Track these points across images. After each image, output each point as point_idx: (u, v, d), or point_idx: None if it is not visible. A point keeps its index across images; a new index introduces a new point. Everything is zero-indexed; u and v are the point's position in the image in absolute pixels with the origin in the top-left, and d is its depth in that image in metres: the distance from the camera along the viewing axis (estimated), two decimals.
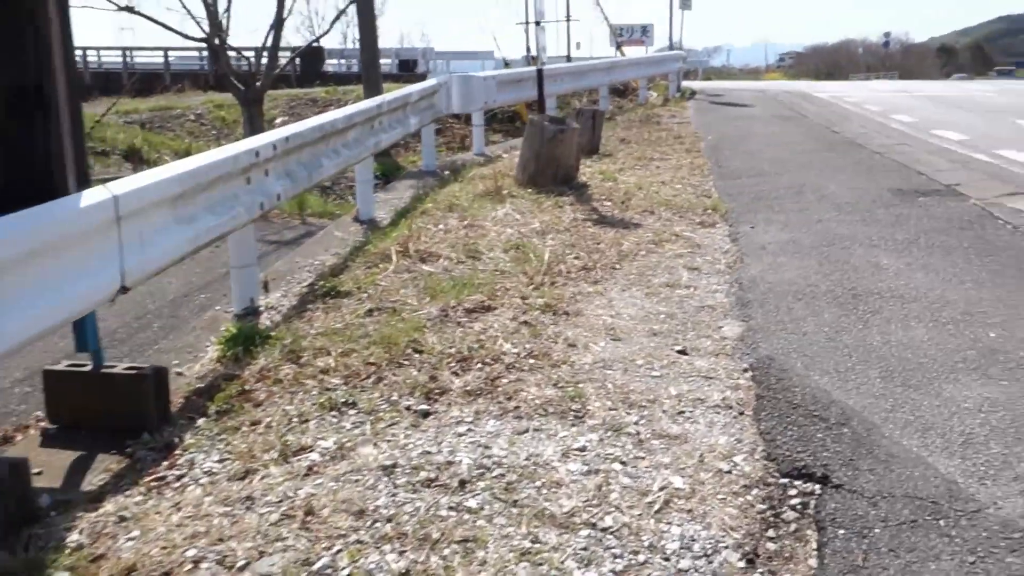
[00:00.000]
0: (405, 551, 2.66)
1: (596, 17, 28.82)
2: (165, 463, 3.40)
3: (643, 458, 3.20)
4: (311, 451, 3.37)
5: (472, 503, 2.92)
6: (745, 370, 3.97)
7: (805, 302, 4.87)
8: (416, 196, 8.57)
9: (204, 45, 17.94)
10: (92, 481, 3.37)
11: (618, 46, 27.60)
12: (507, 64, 23.11)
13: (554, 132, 8.31)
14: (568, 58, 25.00)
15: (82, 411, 3.80)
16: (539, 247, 6.08)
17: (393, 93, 8.88)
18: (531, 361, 4.14)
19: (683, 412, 3.57)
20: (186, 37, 17.54)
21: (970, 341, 4.20)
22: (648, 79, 20.39)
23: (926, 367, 3.91)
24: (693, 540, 2.70)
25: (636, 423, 3.48)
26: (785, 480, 3.02)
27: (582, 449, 3.27)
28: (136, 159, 17.15)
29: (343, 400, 3.78)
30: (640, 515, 2.83)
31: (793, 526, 2.77)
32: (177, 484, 3.21)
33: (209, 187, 4.59)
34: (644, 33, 31.21)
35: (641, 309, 4.89)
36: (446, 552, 2.65)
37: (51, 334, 3.56)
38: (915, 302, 4.81)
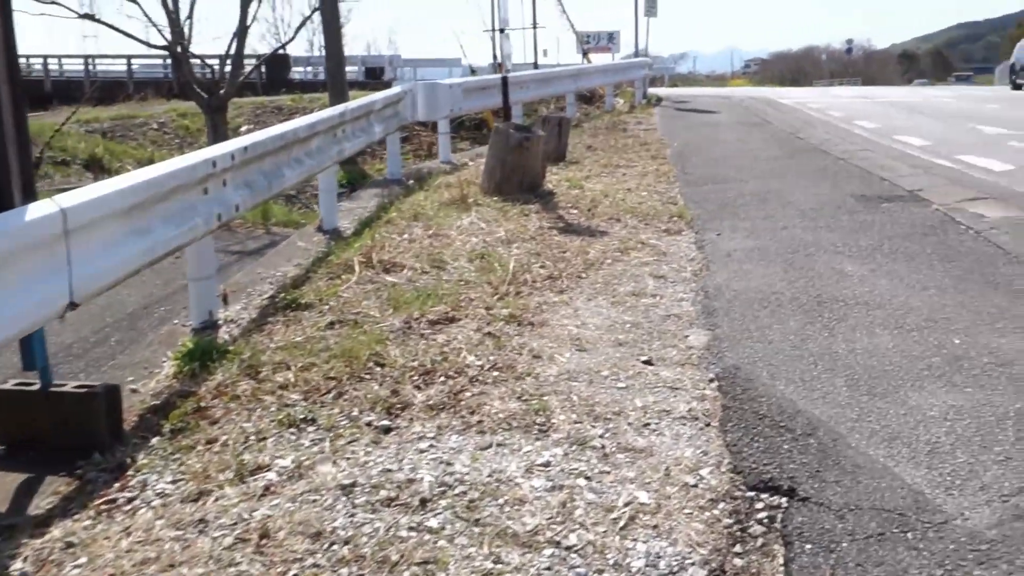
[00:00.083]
0: (363, 575, 2.58)
1: (562, 24, 28.80)
2: (116, 485, 3.30)
3: (608, 473, 3.15)
4: (268, 470, 3.28)
5: (433, 523, 2.84)
6: (711, 380, 3.93)
7: (770, 310, 4.84)
8: (381, 205, 8.48)
9: (167, 53, 17.70)
10: (39, 505, 3.25)
11: (584, 53, 27.64)
12: (473, 71, 23.07)
13: (519, 140, 8.27)
14: (535, 65, 25.00)
15: (31, 431, 3.68)
16: (504, 256, 6.02)
17: (357, 101, 8.80)
18: (495, 373, 4.07)
19: (649, 424, 3.52)
20: (148, 45, 17.40)
21: (934, 348, 4.19)
22: (615, 86, 20.43)
23: (891, 375, 3.89)
24: (659, 557, 2.65)
25: (601, 436, 3.42)
26: (752, 493, 2.97)
27: (546, 464, 3.21)
28: (97, 168, 16.91)
29: (302, 416, 3.70)
30: (605, 532, 2.77)
31: (760, 541, 2.73)
32: (128, 507, 3.11)
33: (165, 198, 4.49)
34: (611, 40, 31.35)
35: (607, 319, 4.84)
36: (405, 575, 2.57)
37: None
38: (879, 309, 4.80)
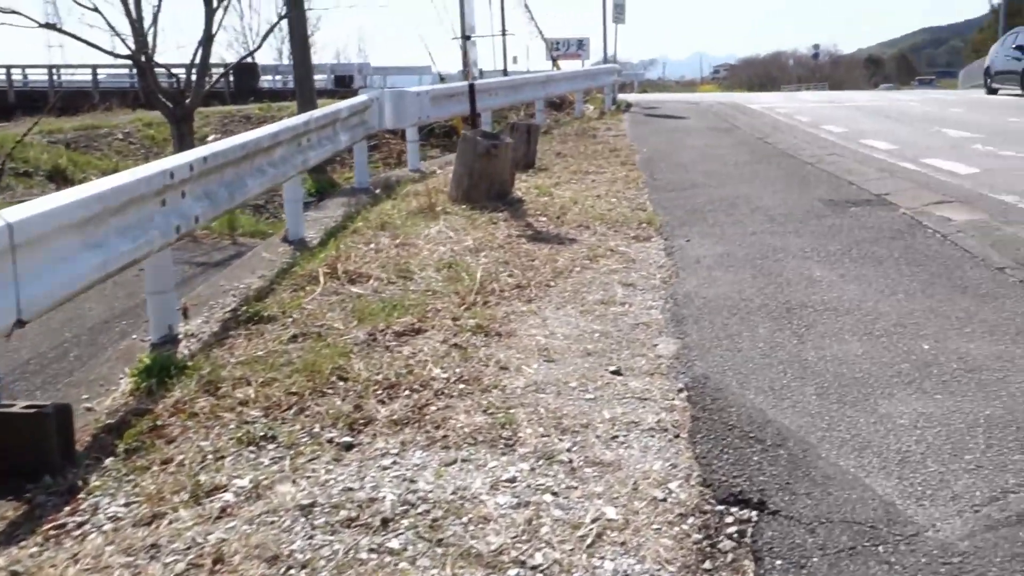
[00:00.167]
0: None
1: (531, 31, 28.78)
2: (67, 508, 3.18)
3: (575, 488, 3.07)
4: (225, 491, 3.18)
5: (394, 543, 2.76)
6: (680, 390, 3.87)
7: (740, 317, 4.80)
8: (347, 215, 8.38)
9: (131, 62, 17.46)
10: None
11: (553, 60, 27.64)
12: (442, 79, 22.97)
13: (487, 147, 8.20)
14: (505, 72, 24.96)
15: None
16: (472, 265, 5.94)
17: (322, 109, 8.69)
18: (461, 386, 3.99)
19: (617, 437, 3.45)
20: (111, 54, 17.10)
21: (904, 354, 4.16)
22: (584, 92, 20.42)
23: (861, 382, 3.84)
24: (627, 575, 2.57)
25: (568, 450, 3.35)
26: (721, 507, 2.91)
27: (512, 480, 3.13)
28: (61, 180, 16.65)
29: (262, 434, 3.59)
30: (572, 550, 2.70)
31: (730, 556, 2.66)
32: (78, 532, 3.00)
33: (120, 211, 4.38)
34: (580, 47, 31.34)
35: (575, 328, 4.77)
36: None
37: None
38: (848, 315, 4.77)
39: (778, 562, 2.58)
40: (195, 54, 16.85)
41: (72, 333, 7.03)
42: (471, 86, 9.57)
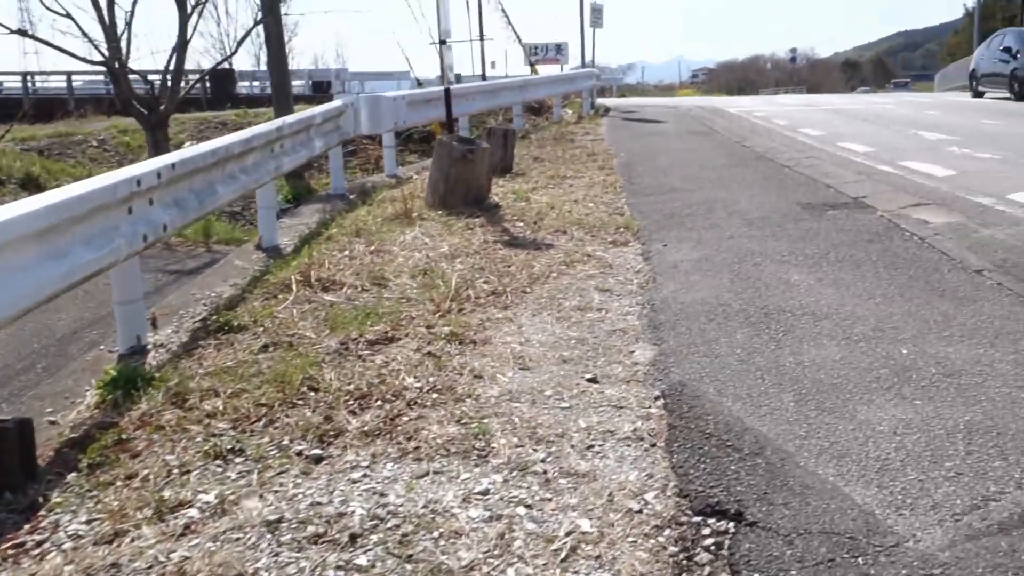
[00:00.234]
0: None
1: (509, 36, 28.74)
2: (27, 526, 3.08)
3: (549, 500, 3.00)
4: (190, 507, 3.09)
5: (362, 560, 2.68)
6: (657, 398, 3.81)
7: (717, 323, 4.74)
8: (322, 221, 8.29)
9: (104, 69, 17.28)
10: None
11: (531, 65, 27.61)
12: (420, 84, 22.88)
13: (463, 152, 8.13)
14: (483, 77, 24.91)
15: None
16: (447, 272, 5.86)
17: (296, 115, 8.60)
18: (434, 396, 3.91)
19: (592, 446, 3.38)
20: (84, 60, 16.89)
21: (882, 359, 4.11)
22: (563, 97, 20.40)
23: (840, 388, 3.79)
24: None
25: (543, 460, 3.28)
26: (698, 518, 2.84)
27: (484, 493, 3.06)
28: (34, 187, 16.42)
29: (229, 447, 3.50)
30: (545, 565, 2.63)
31: (707, 569, 2.60)
32: (37, 551, 2.90)
33: (84, 219, 4.27)
34: (559, 51, 31.32)
35: (551, 335, 4.71)
36: None
37: None
38: (826, 319, 4.73)
39: (756, 575, 2.52)
40: (169, 60, 16.70)
41: (40, 343, 6.90)
42: (447, 91, 9.50)
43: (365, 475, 3.24)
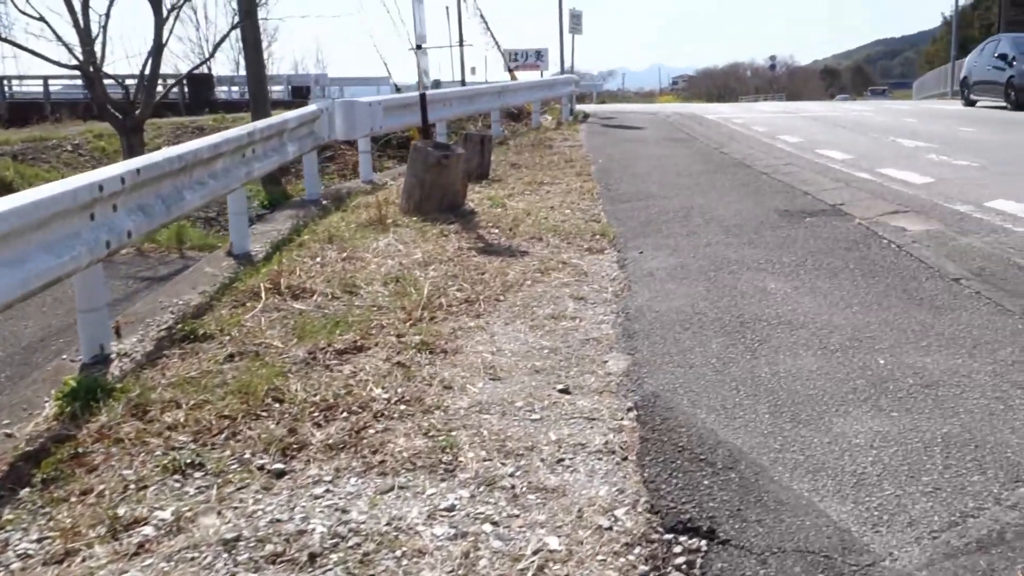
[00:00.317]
0: None
1: (488, 42, 28.62)
2: None
3: (517, 516, 2.91)
4: (145, 524, 2.97)
5: None
6: (629, 409, 3.72)
7: (692, 332, 4.67)
8: (295, 227, 8.16)
9: (79, 73, 17.07)
10: None
11: (509, 71, 27.54)
12: (398, 89, 22.79)
13: (438, 158, 8.03)
14: (463, 83, 24.81)
15: None
16: (420, 279, 5.76)
17: (268, 120, 8.47)
18: (402, 407, 3.81)
19: (562, 460, 3.29)
20: (58, 64, 16.69)
21: (859, 369, 4.04)
22: (542, 103, 20.34)
23: (816, 399, 3.72)
24: None
25: (512, 475, 3.18)
26: (670, 536, 2.76)
27: (450, 509, 2.96)
28: (6, 192, 16.18)
29: (189, 461, 3.39)
30: None
31: None
32: None
33: (43, 225, 4.15)
34: (539, 57, 31.25)
35: (524, 344, 4.62)
36: None
37: None
38: (803, 328, 4.66)
39: None
40: (145, 64, 16.54)
41: (5, 352, 6.76)
42: (422, 96, 9.40)
43: (328, 490, 3.14)
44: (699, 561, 2.61)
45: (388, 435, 3.54)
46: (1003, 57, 21.63)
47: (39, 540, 2.95)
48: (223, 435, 3.61)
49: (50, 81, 34.58)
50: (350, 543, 2.78)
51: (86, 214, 4.53)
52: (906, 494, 2.92)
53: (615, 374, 4.14)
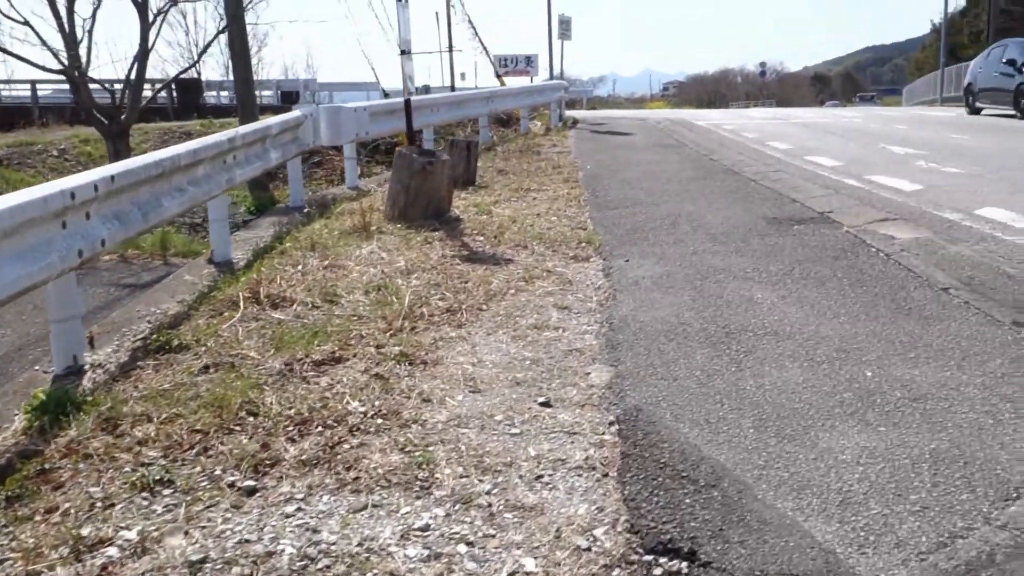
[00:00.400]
0: None
1: (476, 47, 28.58)
2: None
3: (493, 536, 2.82)
4: (110, 544, 2.88)
5: None
6: (611, 423, 3.64)
7: (677, 343, 4.59)
8: (278, 234, 8.06)
9: (64, 77, 16.94)
10: None
11: (498, 76, 27.49)
12: (387, 94, 22.71)
13: (422, 164, 7.94)
14: (452, 88, 24.76)
15: None
16: (402, 288, 5.67)
17: (250, 125, 8.37)
18: (379, 421, 3.72)
19: (541, 477, 3.21)
20: (43, 68, 16.55)
21: (846, 382, 3.96)
22: (531, 109, 20.27)
23: (801, 413, 3.64)
24: None
25: (488, 492, 3.10)
26: (650, 557, 2.67)
27: (424, 528, 2.87)
28: None
29: (158, 478, 3.30)
30: None
31: None
32: None
33: (12, 233, 4.05)
34: (529, 63, 31.22)
35: (505, 355, 4.53)
36: None
37: None
38: (789, 339, 4.58)
39: None
40: (131, 69, 16.40)
41: None
42: (407, 102, 9.31)
43: (299, 509, 3.04)
44: None
45: (363, 450, 3.45)
46: (1011, 63, 20.54)
47: (0, 562, 2.85)
48: (194, 450, 3.51)
49: (38, 86, 34.40)
50: (319, 565, 2.69)
51: (58, 222, 4.43)
52: (893, 513, 2.83)
53: (597, 386, 4.06)
